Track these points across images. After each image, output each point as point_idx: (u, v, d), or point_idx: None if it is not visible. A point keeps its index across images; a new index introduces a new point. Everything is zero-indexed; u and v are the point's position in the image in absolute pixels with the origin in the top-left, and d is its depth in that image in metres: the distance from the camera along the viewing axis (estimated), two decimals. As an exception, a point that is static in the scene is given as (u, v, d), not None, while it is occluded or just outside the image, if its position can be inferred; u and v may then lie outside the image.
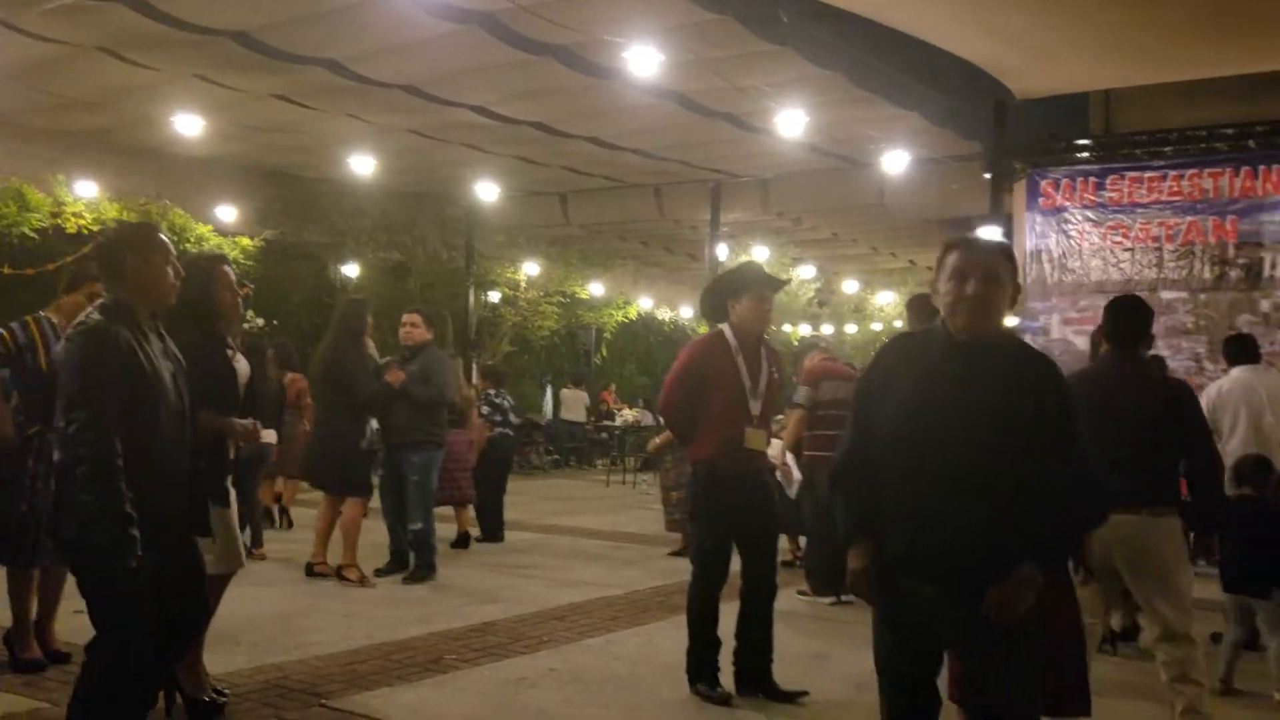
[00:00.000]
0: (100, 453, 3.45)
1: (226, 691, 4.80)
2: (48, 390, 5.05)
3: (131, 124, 12.43)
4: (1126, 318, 4.75)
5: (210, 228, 13.93)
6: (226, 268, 4.95)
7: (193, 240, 13.60)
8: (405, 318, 8.35)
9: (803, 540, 8.73)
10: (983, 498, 2.95)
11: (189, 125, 11.82)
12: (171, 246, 3.98)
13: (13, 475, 5.12)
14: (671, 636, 6.45)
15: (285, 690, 5.06)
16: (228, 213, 14.12)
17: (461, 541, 9.72)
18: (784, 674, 5.36)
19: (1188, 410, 4.63)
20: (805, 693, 5.28)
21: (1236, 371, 6.99)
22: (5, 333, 5.16)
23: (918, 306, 7.14)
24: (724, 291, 5.55)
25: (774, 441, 6.70)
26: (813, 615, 7.34)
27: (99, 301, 3.79)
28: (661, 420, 5.65)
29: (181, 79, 10.83)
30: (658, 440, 9.96)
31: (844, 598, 7.56)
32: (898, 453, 3.04)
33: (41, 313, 5.31)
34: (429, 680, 5.33)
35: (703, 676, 5.24)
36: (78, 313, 5.19)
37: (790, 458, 8.09)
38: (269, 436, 6.35)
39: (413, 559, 8.11)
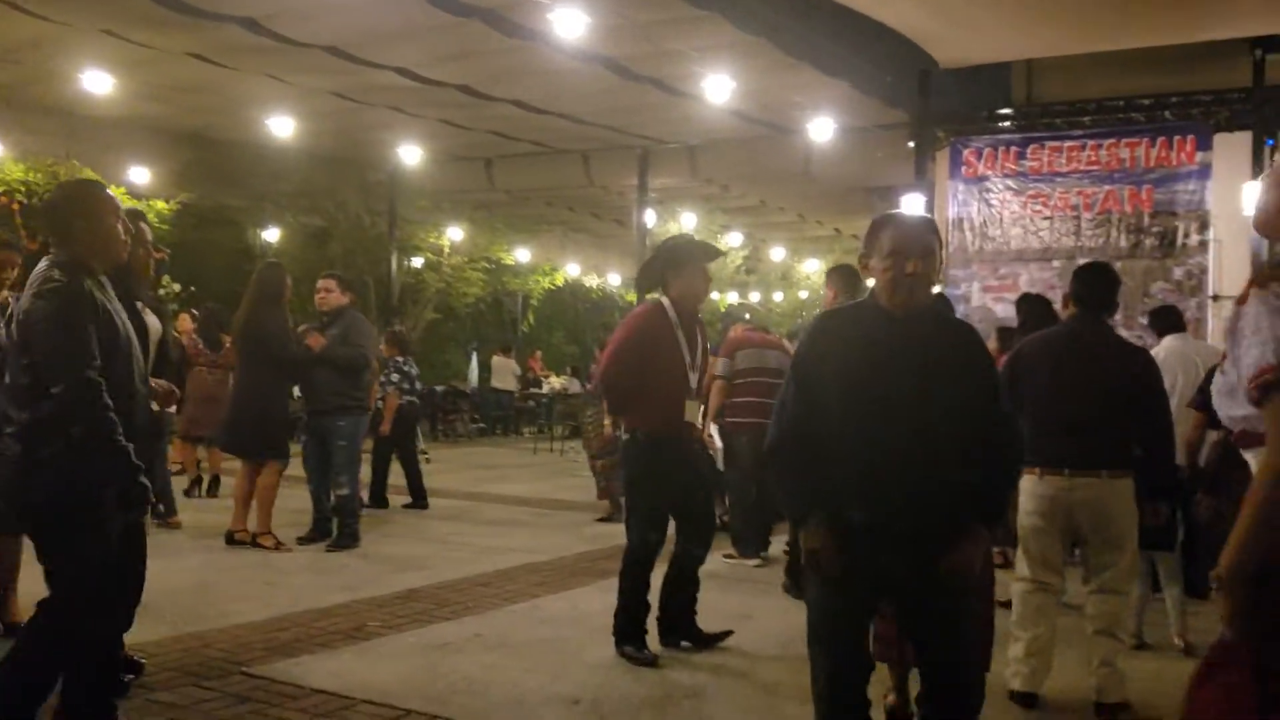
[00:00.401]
0: (98, 410, 3.44)
1: (143, 660, 4.71)
2: None
3: (37, 80, 11.97)
4: (1096, 283, 4.82)
5: (123, 190, 13.52)
6: (143, 224, 4.83)
7: (105, 203, 13.21)
8: (320, 283, 8.28)
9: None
10: (932, 461, 3.05)
11: (98, 83, 11.45)
12: (119, 202, 3.88)
13: None
14: (598, 600, 6.48)
15: (206, 659, 4.98)
16: (141, 175, 13.76)
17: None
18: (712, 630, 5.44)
19: (1153, 378, 4.75)
20: (730, 632, 5.43)
21: (1168, 341, 7.17)
22: None
23: (839, 276, 7.22)
24: (663, 264, 5.48)
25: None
26: (736, 576, 7.41)
27: (52, 259, 3.65)
28: (595, 390, 5.50)
29: (89, 34, 10.46)
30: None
31: (765, 556, 7.76)
32: (846, 425, 3.09)
33: None
34: (352, 648, 5.28)
35: (630, 639, 5.27)
36: None
37: (713, 428, 8.19)
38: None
39: (335, 526, 8.02)
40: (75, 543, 3.52)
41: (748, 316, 8.87)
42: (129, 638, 4.55)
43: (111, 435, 3.47)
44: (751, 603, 6.50)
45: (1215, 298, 10.63)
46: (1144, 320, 8.31)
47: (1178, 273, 10.86)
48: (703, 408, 6.32)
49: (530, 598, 6.53)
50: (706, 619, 5.55)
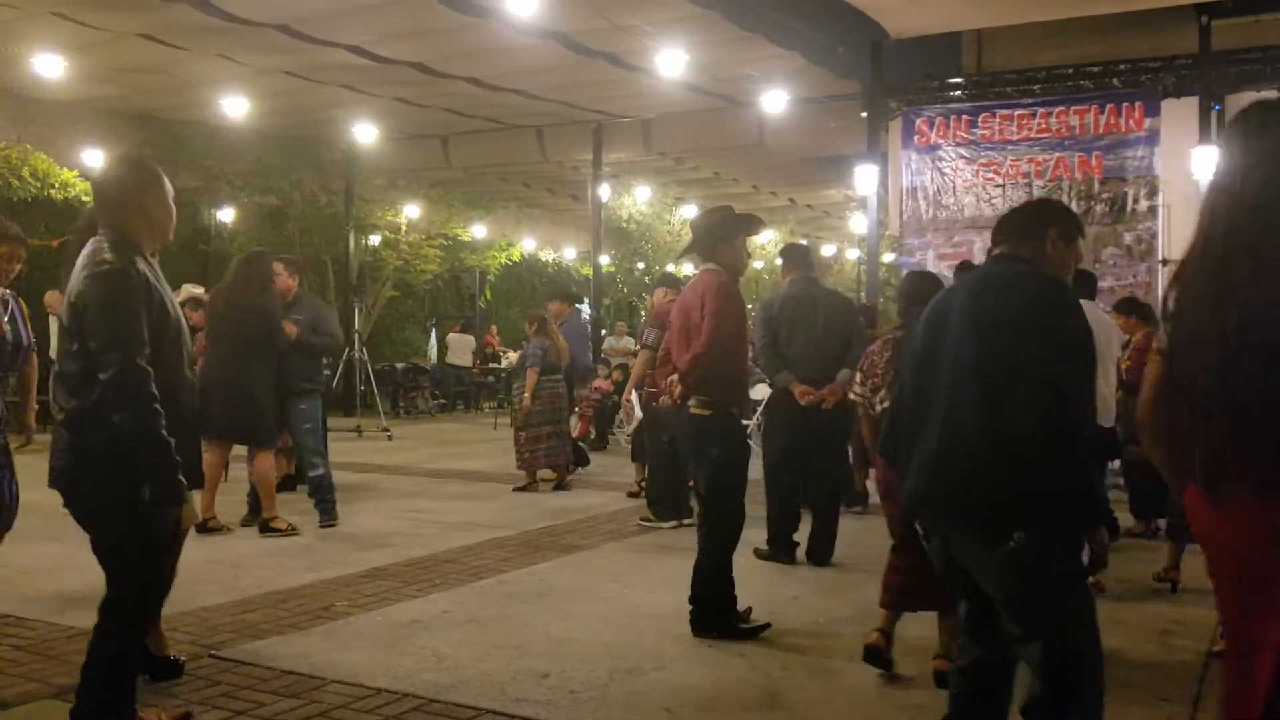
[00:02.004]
0: (143, 400, 3.36)
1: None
2: None
3: (-15, 64, 11.83)
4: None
5: (75, 173, 13.38)
6: None
7: (57, 185, 13.06)
8: (274, 265, 8.19)
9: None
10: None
11: (50, 66, 11.30)
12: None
13: None
14: (562, 575, 6.58)
15: (173, 642, 5.00)
16: (95, 157, 13.56)
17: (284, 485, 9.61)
18: (657, 593, 5.53)
19: None
20: (768, 625, 5.38)
21: (1088, 306, 7.30)
22: None
23: (791, 254, 7.45)
24: (717, 234, 5.46)
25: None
26: (659, 542, 7.66)
27: (102, 237, 3.55)
28: (699, 367, 5.25)
29: (38, 16, 10.33)
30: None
31: (685, 521, 7.94)
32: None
33: None
34: (320, 627, 5.33)
35: (732, 625, 5.25)
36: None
37: (634, 395, 8.42)
38: None
39: (315, 506, 8.04)
40: (121, 535, 3.49)
41: (670, 280, 9.02)
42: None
43: (154, 427, 3.38)
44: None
45: (1165, 262, 10.84)
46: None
47: (1128, 238, 11.07)
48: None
49: (496, 573, 6.60)
50: (651, 584, 5.66)
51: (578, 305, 13.75)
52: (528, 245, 22.86)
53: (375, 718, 4.14)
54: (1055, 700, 2.98)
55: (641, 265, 21.70)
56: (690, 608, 5.26)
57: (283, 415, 8.05)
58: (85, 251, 3.56)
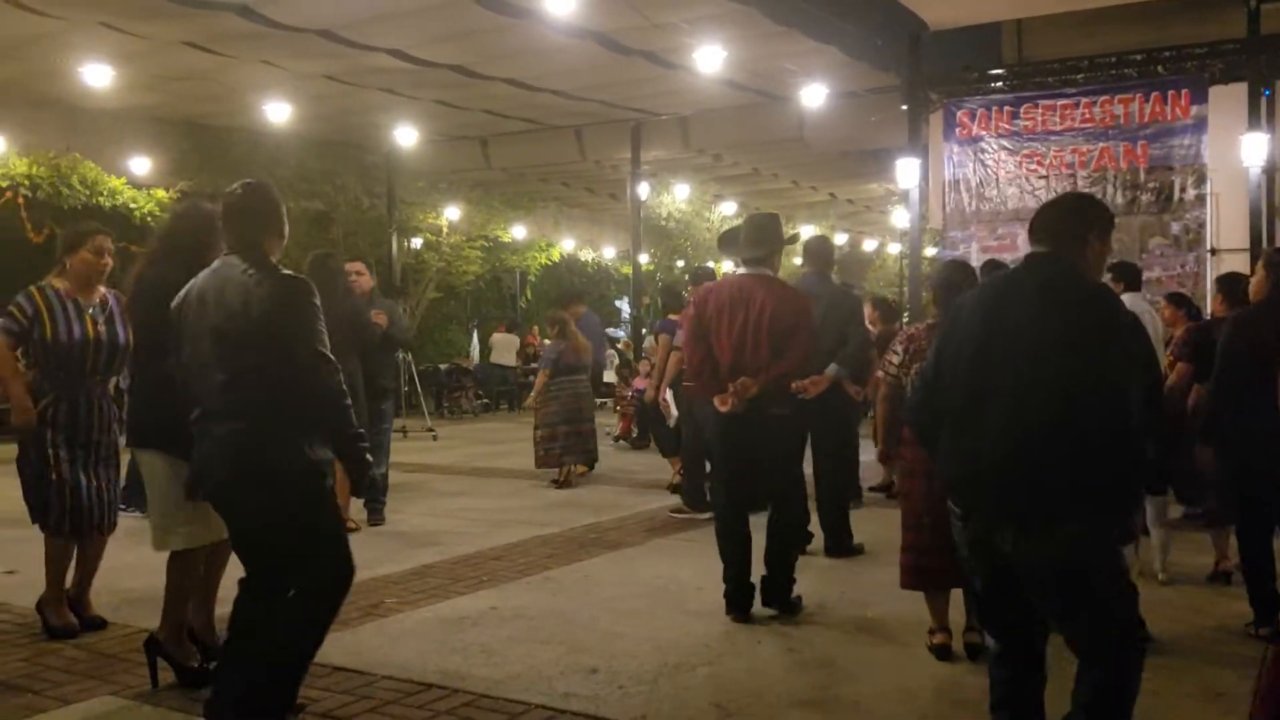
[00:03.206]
0: (343, 396, 3.74)
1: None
2: (62, 360, 4.98)
3: (37, 75, 12.02)
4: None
5: (123, 180, 13.60)
6: None
7: (106, 194, 13.28)
8: (349, 266, 8.26)
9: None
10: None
11: (98, 76, 11.48)
12: None
13: (37, 446, 4.99)
14: (609, 571, 6.61)
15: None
16: (141, 165, 13.80)
17: None
18: (704, 589, 5.55)
19: None
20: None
21: (1129, 297, 7.27)
22: (14, 308, 4.98)
23: (805, 248, 7.59)
24: (772, 242, 5.81)
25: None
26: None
27: (253, 254, 3.79)
28: (791, 372, 5.55)
29: (87, 27, 10.50)
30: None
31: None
32: None
33: (45, 281, 5.09)
34: (370, 624, 5.39)
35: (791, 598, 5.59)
36: (89, 272, 5.06)
37: (669, 393, 8.47)
38: None
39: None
40: (320, 522, 3.74)
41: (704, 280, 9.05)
42: (151, 624, 4.67)
43: (354, 423, 3.76)
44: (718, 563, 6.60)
45: (1214, 251, 10.69)
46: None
47: (1175, 228, 10.91)
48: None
49: (542, 570, 6.64)
50: (697, 580, 5.67)
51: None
52: (567, 245, 22.92)
53: (427, 713, 4.19)
54: (1109, 661, 3.15)
55: (681, 263, 21.68)
56: (764, 583, 5.55)
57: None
58: (239, 270, 3.73)
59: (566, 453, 10.10)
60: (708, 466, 7.97)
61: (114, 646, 4.98)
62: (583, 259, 24.56)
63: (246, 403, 3.65)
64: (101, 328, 5.08)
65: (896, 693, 4.40)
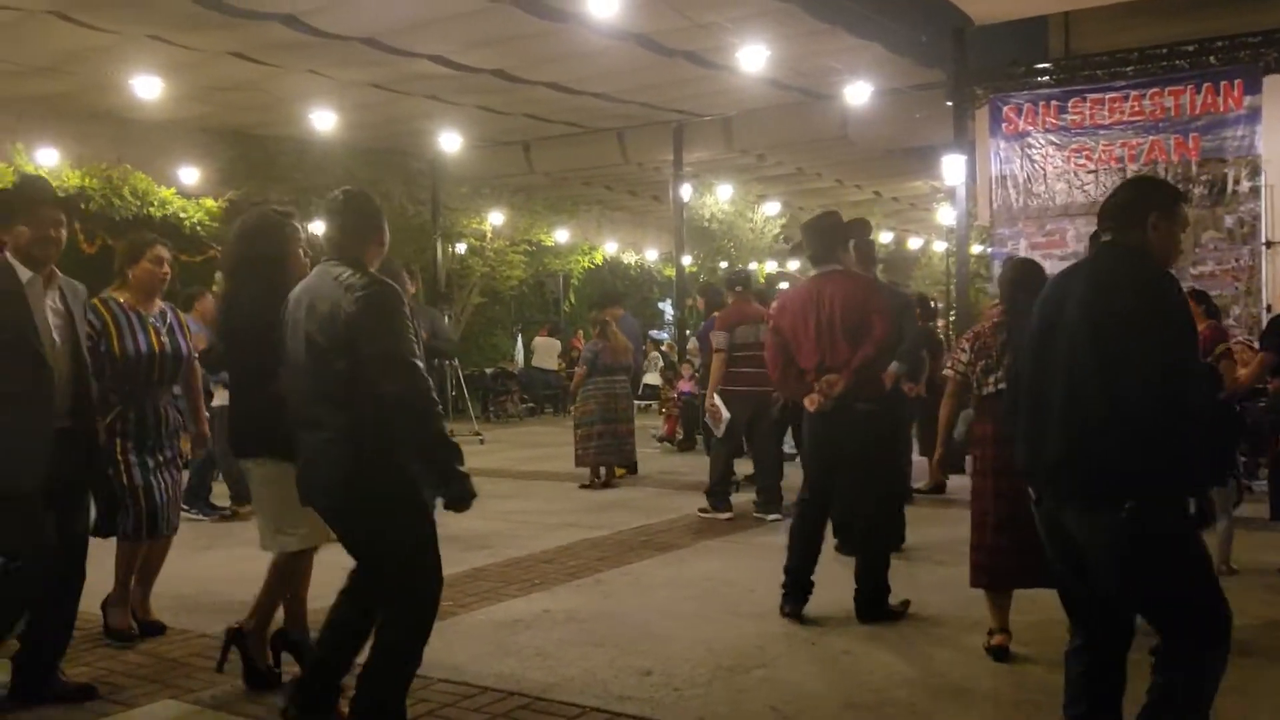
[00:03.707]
0: (432, 405, 3.68)
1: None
2: (129, 372, 5.03)
3: (88, 88, 12.23)
4: None
5: (173, 190, 13.76)
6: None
7: (156, 204, 13.45)
8: None
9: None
10: None
11: (147, 87, 11.64)
12: None
13: (109, 456, 5.00)
14: (659, 573, 6.60)
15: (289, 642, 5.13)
16: (190, 175, 13.96)
17: None
18: (756, 591, 5.52)
19: None
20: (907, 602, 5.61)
21: None
22: None
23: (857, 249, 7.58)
24: (833, 235, 5.81)
25: None
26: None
27: (349, 261, 3.78)
28: (871, 365, 5.53)
29: (136, 40, 10.65)
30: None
31: (770, 517, 8.37)
32: None
33: (106, 293, 5.13)
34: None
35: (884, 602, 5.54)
36: (150, 282, 5.13)
37: (718, 398, 8.64)
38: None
39: None
40: (413, 530, 3.75)
41: (739, 289, 9.05)
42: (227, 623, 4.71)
43: (441, 430, 3.70)
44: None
45: (1269, 244, 10.49)
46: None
47: (1229, 221, 10.71)
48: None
49: (593, 573, 6.64)
50: (750, 582, 5.64)
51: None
52: (610, 248, 22.95)
53: (482, 716, 4.20)
54: (1185, 651, 3.12)
55: (724, 264, 21.65)
56: (856, 599, 5.49)
57: None
58: (331, 277, 3.73)
59: (601, 453, 10.16)
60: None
61: (175, 651, 5.04)
62: (625, 262, 24.58)
63: (336, 412, 3.66)
64: (165, 338, 5.14)
65: (953, 695, 4.35)
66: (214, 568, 6.58)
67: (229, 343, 4.60)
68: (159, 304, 5.25)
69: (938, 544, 7.14)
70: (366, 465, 3.64)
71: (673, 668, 4.70)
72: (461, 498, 3.66)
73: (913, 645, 5.04)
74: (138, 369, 5.04)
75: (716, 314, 9.57)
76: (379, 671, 3.74)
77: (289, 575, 4.56)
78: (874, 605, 5.47)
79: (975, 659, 4.78)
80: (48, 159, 12.62)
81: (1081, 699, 3.38)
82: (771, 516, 8.41)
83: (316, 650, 4.03)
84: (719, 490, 8.64)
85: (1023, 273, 5.02)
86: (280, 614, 4.63)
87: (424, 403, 3.60)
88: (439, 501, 3.77)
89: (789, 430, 8.98)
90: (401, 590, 3.76)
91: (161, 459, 5.18)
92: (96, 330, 4.94)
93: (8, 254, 4.13)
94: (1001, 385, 4.71)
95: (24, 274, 4.11)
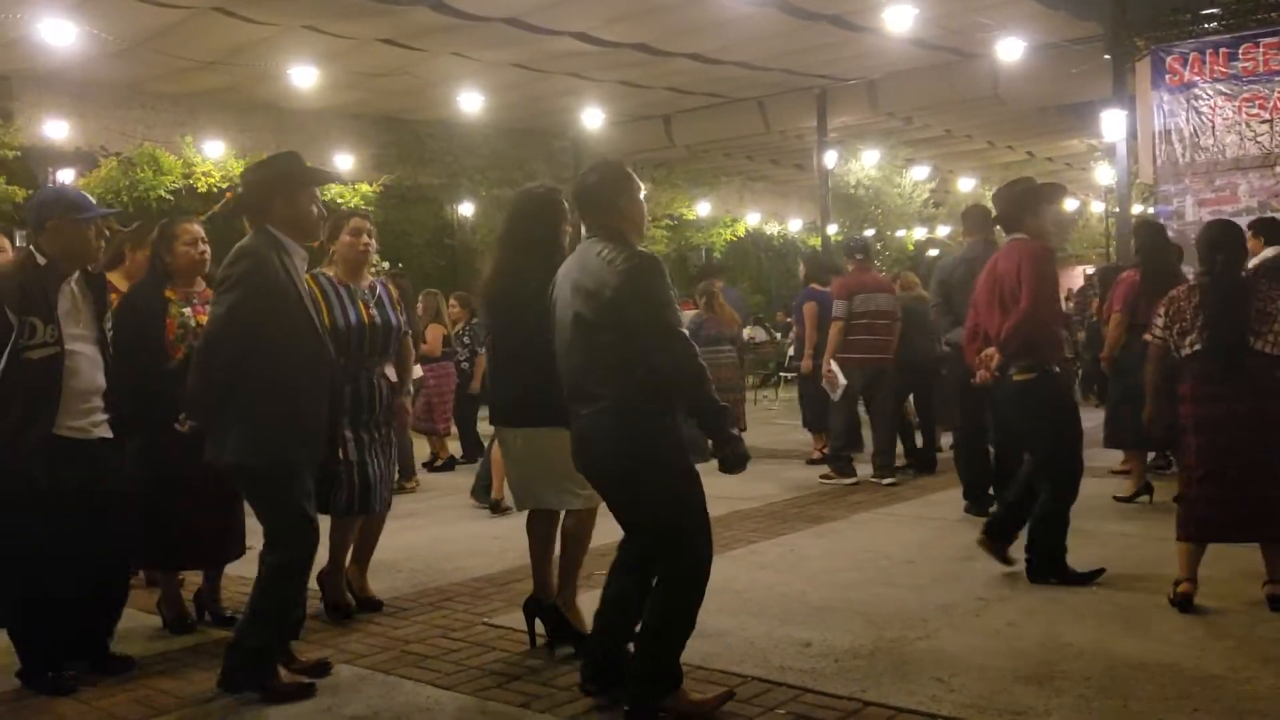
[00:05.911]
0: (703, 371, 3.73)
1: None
2: (341, 346, 4.90)
3: (249, 80, 12.76)
4: None
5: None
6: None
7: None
8: None
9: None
10: None
11: (304, 77, 12.07)
12: None
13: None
14: (814, 545, 6.55)
15: (449, 612, 5.28)
16: (345, 161, 14.43)
17: (447, 465, 10.29)
18: (915, 562, 5.42)
19: None
20: (1102, 570, 5.48)
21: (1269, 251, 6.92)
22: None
23: (971, 216, 7.60)
24: (1021, 205, 5.67)
25: None
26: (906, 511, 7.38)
27: (609, 235, 3.83)
28: (1019, 335, 5.36)
29: (292, 31, 11.05)
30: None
31: (884, 481, 8.57)
32: None
33: (318, 270, 5.13)
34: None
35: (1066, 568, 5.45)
36: (353, 255, 5.20)
37: (835, 365, 8.63)
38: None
39: None
40: (687, 495, 3.81)
41: (859, 256, 8.97)
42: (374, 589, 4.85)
43: (711, 394, 3.71)
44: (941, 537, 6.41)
45: None
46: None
47: None
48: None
49: (746, 544, 6.63)
50: (907, 553, 5.54)
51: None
52: (752, 219, 22.78)
53: (644, 683, 4.22)
54: None
55: (871, 231, 21.28)
56: (1027, 557, 5.46)
57: None
58: (594, 253, 3.78)
59: None
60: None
61: (403, 629, 5.22)
62: (768, 233, 24.37)
63: (605, 383, 3.73)
64: (374, 311, 5.20)
65: (1126, 668, 4.19)
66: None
67: (494, 318, 4.69)
68: (369, 277, 5.31)
69: (1097, 512, 6.90)
70: (640, 433, 3.71)
71: (833, 638, 4.66)
72: (738, 459, 3.72)
73: (1082, 617, 4.88)
74: (350, 342, 5.02)
75: (814, 284, 9.60)
76: (657, 633, 3.81)
77: (585, 536, 4.68)
78: (1051, 564, 5.40)
79: (1150, 632, 4.59)
80: (214, 150, 13.22)
81: None
82: (887, 481, 8.55)
83: (597, 625, 4.11)
84: (841, 456, 8.76)
85: (1224, 234, 4.99)
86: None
87: (696, 368, 3.66)
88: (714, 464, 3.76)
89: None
90: (677, 553, 3.80)
91: (376, 434, 5.19)
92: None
93: (281, 235, 4.19)
94: (1197, 347, 4.83)
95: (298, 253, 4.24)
